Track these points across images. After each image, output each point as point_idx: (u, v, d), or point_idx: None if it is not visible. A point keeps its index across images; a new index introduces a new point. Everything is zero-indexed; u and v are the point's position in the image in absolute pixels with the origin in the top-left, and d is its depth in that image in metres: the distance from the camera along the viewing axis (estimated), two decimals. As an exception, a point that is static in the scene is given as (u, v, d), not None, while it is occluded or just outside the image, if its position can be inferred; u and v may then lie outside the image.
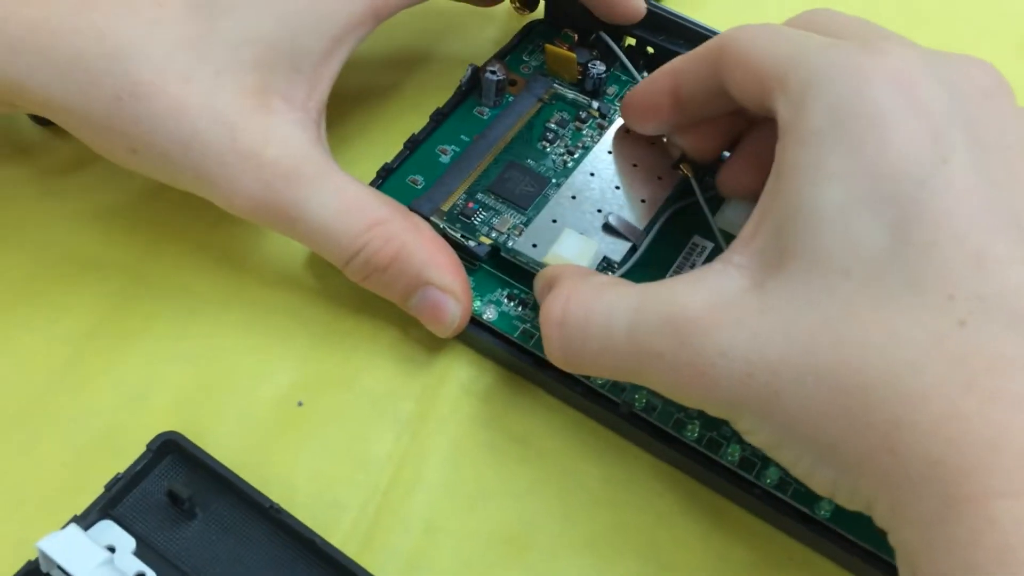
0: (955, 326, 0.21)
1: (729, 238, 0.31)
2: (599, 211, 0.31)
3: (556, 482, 0.29)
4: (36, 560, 0.26)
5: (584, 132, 0.34)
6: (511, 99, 0.35)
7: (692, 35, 0.35)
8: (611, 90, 0.36)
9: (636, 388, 0.29)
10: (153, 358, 0.31)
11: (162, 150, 0.28)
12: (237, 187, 0.28)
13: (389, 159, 0.34)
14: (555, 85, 0.35)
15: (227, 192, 0.28)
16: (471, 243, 0.31)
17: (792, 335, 0.22)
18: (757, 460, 0.28)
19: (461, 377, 0.31)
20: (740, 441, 0.28)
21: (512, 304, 0.31)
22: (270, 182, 0.28)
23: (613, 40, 0.36)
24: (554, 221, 0.31)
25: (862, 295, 0.21)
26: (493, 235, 0.31)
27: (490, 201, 0.32)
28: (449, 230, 0.31)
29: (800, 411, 0.22)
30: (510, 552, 0.28)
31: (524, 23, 0.38)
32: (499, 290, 0.31)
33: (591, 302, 0.26)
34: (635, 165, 0.32)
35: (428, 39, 0.40)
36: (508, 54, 0.37)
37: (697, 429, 0.28)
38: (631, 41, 0.37)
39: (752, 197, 0.31)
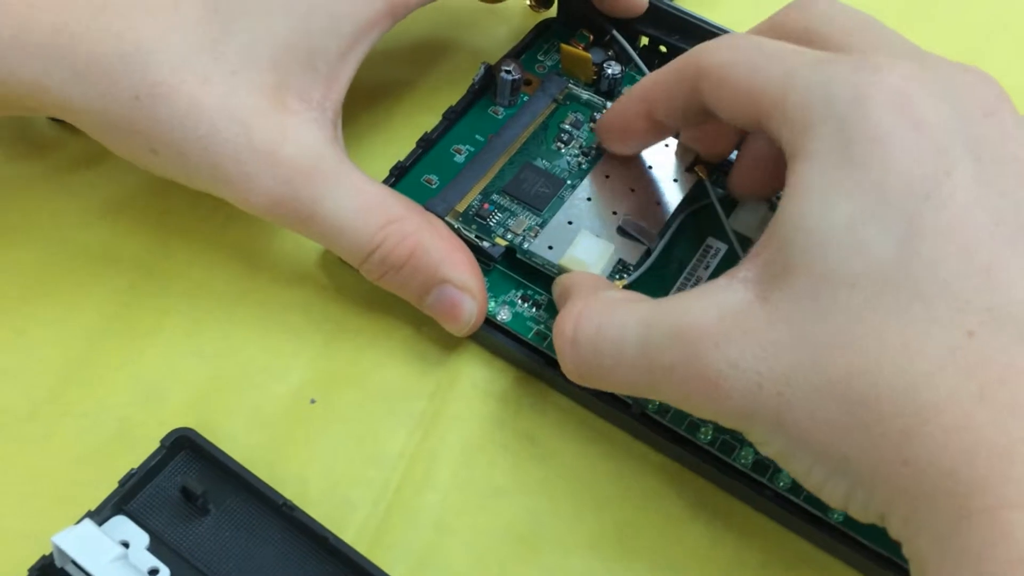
0: (965, 337, 0.21)
1: (743, 240, 0.31)
2: (614, 213, 0.31)
3: (568, 481, 0.29)
4: (51, 555, 0.26)
5: (599, 133, 0.34)
6: (526, 99, 0.35)
7: (705, 34, 0.35)
8: (625, 91, 0.36)
9: (649, 390, 0.29)
10: (166, 354, 0.31)
11: (180, 149, 0.28)
12: (253, 185, 0.28)
13: (402, 157, 0.34)
14: (570, 85, 0.35)
15: (243, 190, 0.28)
16: (486, 244, 0.31)
17: (800, 346, 0.22)
18: (770, 463, 0.28)
19: (474, 376, 0.31)
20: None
21: (526, 305, 0.31)
22: (286, 180, 0.28)
23: (628, 40, 0.36)
24: (570, 223, 0.31)
25: (870, 307, 0.21)
26: (509, 236, 0.32)
27: (505, 202, 0.32)
28: (464, 230, 0.31)
29: (811, 422, 0.22)
30: (521, 551, 0.28)
31: (537, 21, 0.38)
32: (513, 291, 0.31)
33: (602, 318, 0.26)
34: (650, 167, 0.32)
35: (440, 36, 0.40)
36: (522, 53, 0.37)
37: (711, 432, 0.28)
38: (645, 41, 0.37)
39: (763, 198, 0.31)
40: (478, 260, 0.31)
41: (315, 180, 0.28)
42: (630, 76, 0.36)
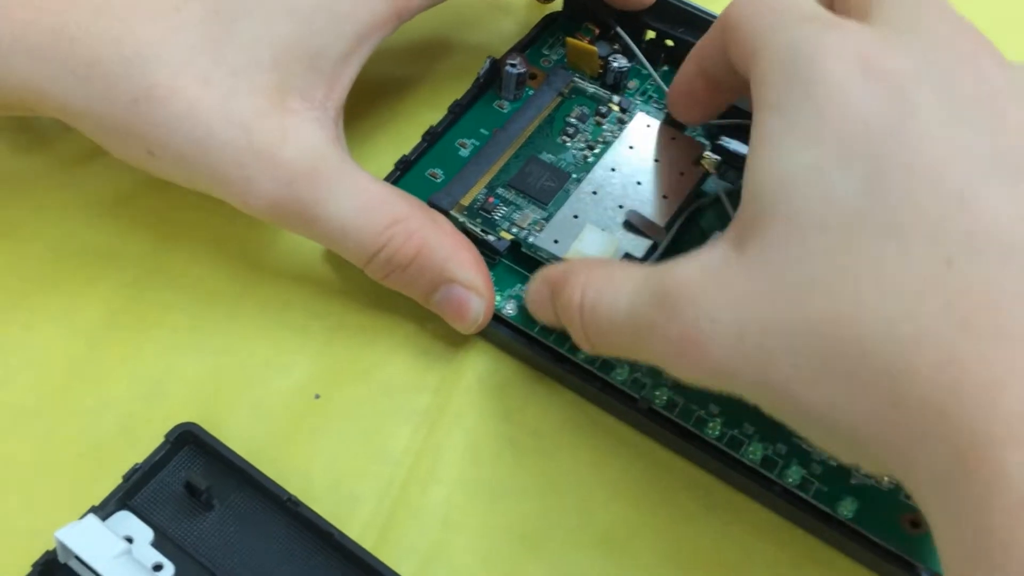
0: (943, 266, 0.20)
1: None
2: (620, 207, 0.31)
3: (574, 478, 0.29)
4: (54, 550, 0.26)
5: (604, 127, 0.34)
6: (531, 92, 0.35)
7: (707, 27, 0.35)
8: (632, 84, 0.36)
9: (657, 385, 0.29)
10: (170, 349, 0.31)
11: (178, 152, 0.28)
12: (253, 187, 0.28)
13: (407, 151, 0.34)
14: (575, 79, 0.35)
15: (243, 192, 0.28)
16: (491, 238, 0.31)
17: (777, 294, 0.22)
18: (779, 459, 0.28)
19: (479, 371, 0.31)
20: (762, 439, 0.28)
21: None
22: (287, 181, 0.28)
23: (635, 33, 0.35)
24: (575, 217, 0.31)
25: (842, 247, 0.21)
26: (514, 230, 0.31)
27: (510, 196, 0.32)
28: (469, 224, 0.31)
29: (793, 372, 0.21)
30: (527, 547, 0.28)
31: (542, 15, 0.38)
32: (519, 285, 0.31)
33: (603, 284, 0.26)
34: (657, 160, 0.32)
35: (444, 30, 0.40)
36: (527, 47, 0.37)
37: (719, 427, 0.28)
38: (651, 36, 0.37)
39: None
40: (483, 254, 0.31)
41: (317, 181, 0.28)
42: (635, 70, 0.36)
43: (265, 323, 0.32)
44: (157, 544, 0.26)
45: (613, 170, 0.32)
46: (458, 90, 0.35)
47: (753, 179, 0.23)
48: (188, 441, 0.28)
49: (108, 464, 0.28)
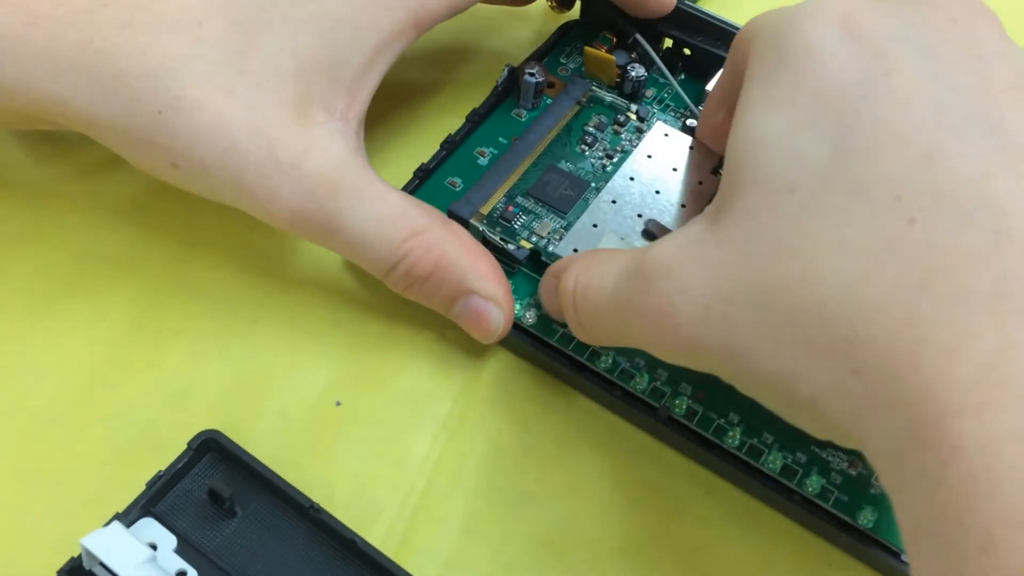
0: (905, 225, 0.19)
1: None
2: (639, 216, 0.31)
3: (595, 486, 0.29)
4: (79, 557, 0.26)
5: (623, 136, 0.34)
6: (549, 101, 0.35)
7: (728, 37, 0.35)
8: (649, 93, 0.36)
9: (677, 394, 0.29)
10: (192, 357, 0.31)
11: (201, 163, 0.28)
12: (276, 198, 0.28)
13: (425, 159, 0.34)
14: (593, 88, 0.35)
15: (266, 203, 0.28)
16: (511, 247, 0.31)
17: (743, 262, 0.21)
18: (799, 468, 0.28)
19: (498, 378, 0.31)
20: (782, 448, 0.28)
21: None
22: (310, 193, 0.28)
23: (652, 42, 0.35)
24: (595, 226, 0.31)
25: (807, 211, 0.21)
26: (534, 239, 0.31)
27: (530, 205, 0.32)
28: (489, 233, 0.31)
29: (755, 341, 0.21)
30: (549, 556, 0.28)
31: (559, 23, 0.38)
32: (538, 294, 0.31)
33: (593, 268, 0.26)
34: (675, 169, 0.32)
35: (462, 39, 0.40)
36: (545, 55, 0.37)
37: (739, 436, 0.28)
38: (668, 44, 0.37)
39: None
40: (503, 263, 0.31)
41: (339, 193, 0.28)
42: (652, 79, 0.36)
43: (286, 331, 0.32)
44: (180, 551, 0.27)
45: (632, 179, 0.32)
46: (475, 97, 0.36)
47: (731, 149, 0.23)
48: (211, 448, 0.28)
49: (131, 471, 0.28)
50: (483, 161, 0.34)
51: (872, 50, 0.22)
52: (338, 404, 0.30)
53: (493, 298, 0.29)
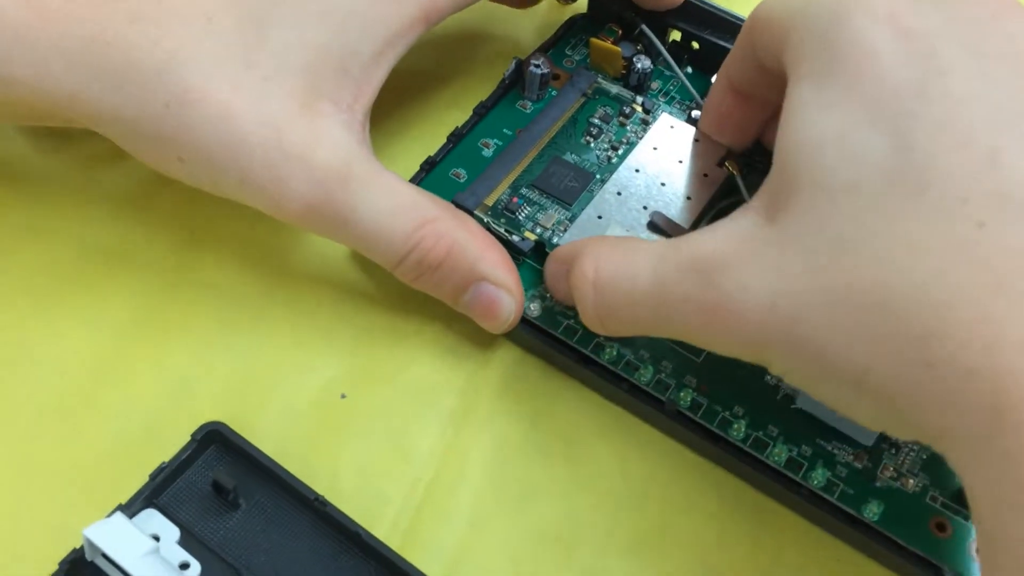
0: (974, 228, 0.20)
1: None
2: (644, 208, 0.31)
3: (602, 480, 0.29)
4: (81, 548, 0.26)
5: (628, 127, 0.34)
6: (554, 93, 0.35)
7: (736, 30, 0.34)
8: (655, 85, 0.36)
9: (681, 386, 0.29)
10: (196, 349, 0.31)
11: (209, 156, 0.28)
12: (286, 190, 0.28)
13: (432, 152, 0.34)
14: (599, 80, 0.35)
15: (275, 196, 0.28)
16: (516, 238, 0.31)
17: (808, 260, 0.22)
18: (804, 461, 0.28)
19: (505, 372, 0.31)
20: (787, 441, 0.28)
21: (554, 298, 0.31)
22: (320, 184, 0.28)
23: (658, 34, 0.35)
24: (599, 217, 0.31)
25: (872, 210, 0.21)
26: (538, 231, 0.31)
27: (534, 196, 0.32)
28: (493, 225, 0.31)
29: (828, 337, 0.21)
30: (557, 551, 0.28)
31: (566, 17, 0.38)
32: (543, 285, 0.31)
33: (622, 257, 0.26)
34: (680, 162, 0.32)
35: (468, 32, 0.40)
36: (551, 48, 0.37)
37: (743, 428, 0.28)
38: (675, 37, 0.37)
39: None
40: (509, 256, 0.31)
41: (349, 183, 0.28)
42: (658, 71, 0.36)
43: (291, 323, 0.32)
44: (183, 543, 0.27)
45: (637, 171, 0.32)
46: (481, 89, 0.36)
47: (784, 147, 0.23)
48: (215, 440, 0.28)
49: (134, 463, 0.28)
50: (488, 153, 0.34)
51: (923, 49, 0.22)
52: (343, 397, 0.30)
53: (504, 285, 0.29)
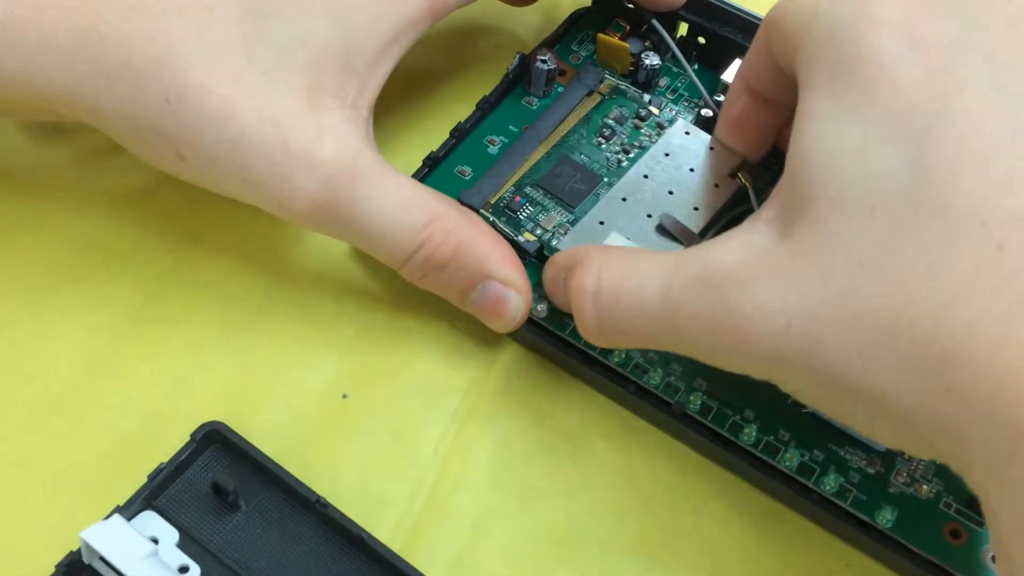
0: (993, 249, 0.20)
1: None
2: (648, 216, 0.30)
3: (607, 482, 0.29)
4: (78, 550, 0.25)
5: (642, 131, 0.33)
6: (561, 89, 0.35)
7: (745, 24, 0.34)
8: (663, 82, 0.35)
9: (691, 390, 0.28)
10: (196, 346, 0.31)
11: (210, 153, 0.27)
12: (290, 187, 0.27)
13: (434, 147, 0.33)
14: (607, 76, 0.35)
15: (278, 194, 0.27)
16: (521, 240, 0.30)
17: (825, 279, 0.21)
18: (816, 466, 0.27)
19: (509, 372, 0.31)
20: (798, 446, 0.28)
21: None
22: (326, 181, 0.27)
23: (667, 29, 0.35)
24: (601, 223, 0.30)
25: (890, 231, 0.21)
26: (538, 232, 0.31)
27: (538, 196, 0.32)
28: (499, 224, 0.31)
29: (843, 358, 0.21)
30: (560, 553, 0.27)
31: (566, 10, 0.37)
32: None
33: (626, 269, 0.25)
34: (692, 170, 0.31)
35: (471, 25, 0.40)
36: (556, 43, 0.36)
37: (754, 433, 0.28)
38: (683, 31, 0.36)
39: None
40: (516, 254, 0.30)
41: (355, 180, 0.27)
42: (666, 68, 0.35)
43: (292, 321, 0.31)
44: (182, 545, 0.26)
45: (646, 177, 0.31)
46: (485, 84, 0.35)
47: (798, 160, 0.23)
48: (214, 440, 0.28)
49: (132, 463, 0.27)
50: (493, 150, 0.33)
51: (939, 62, 0.22)
52: (345, 396, 0.30)
53: (512, 283, 0.29)
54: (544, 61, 0.34)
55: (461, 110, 0.34)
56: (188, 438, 0.27)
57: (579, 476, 0.29)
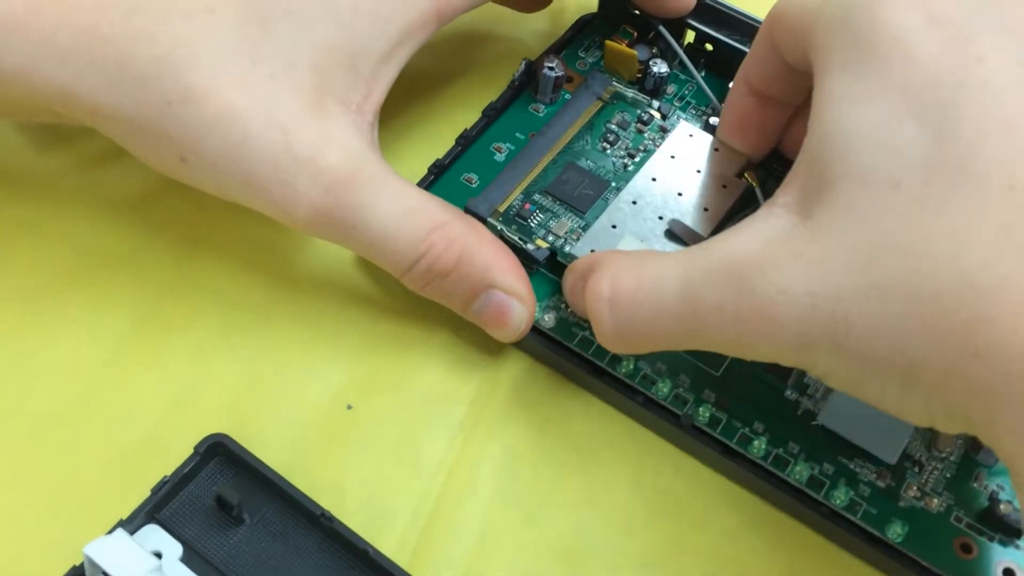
0: (1021, 213, 0.20)
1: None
2: (660, 218, 0.30)
3: (615, 494, 0.28)
4: (81, 565, 0.25)
5: (645, 135, 0.33)
6: (568, 96, 0.34)
7: (750, 29, 0.34)
8: (670, 89, 0.35)
9: (700, 402, 0.28)
10: (199, 356, 0.30)
11: (213, 157, 0.27)
12: (293, 194, 0.27)
13: (439, 152, 0.33)
14: (614, 83, 0.34)
15: (281, 200, 0.27)
16: (530, 247, 0.30)
17: (849, 257, 0.21)
18: (826, 479, 0.27)
19: (515, 381, 0.30)
20: (808, 459, 0.27)
21: (570, 310, 0.30)
22: (330, 187, 0.27)
23: (674, 36, 0.34)
24: (613, 227, 0.30)
25: (915, 203, 0.21)
26: (550, 239, 0.31)
27: (547, 203, 0.31)
28: (507, 232, 0.30)
29: (872, 333, 0.21)
30: (567, 566, 0.27)
31: (577, 17, 0.37)
32: (556, 295, 0.30)
33: (640, 270, 0.25)
34: (698, 171, 0.31)
35: (476, 30, 0.39)
36: (563, 49, 0.36)
37: (764, 445, 0.27)
38: (691, 39, 0.36)
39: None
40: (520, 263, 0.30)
41: (358, 187, 0.27)
42: (674, 75, 0.35)
43: (297, 330, 0.31)
44: (186, 559, 0.26)
45: (654, 180, 0.31)
46: (490, 89, 0.35)
47: (816, 141, 0.23)
48: (218, 453, 0.27)
49: (136, 475, 0.27)
50: (500, 157, 0.33)
51: (957, 35, 0.21)
52: (350, 408, 0.30)
53: (516, 293, 0.28)
54: (551, 68, 0.34)
55: (466, 116, 0.34)
56: (192, 450, 0.27)
57: (587, 488, 0.28)
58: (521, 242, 0.30)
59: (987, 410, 0.20)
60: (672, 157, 0.32)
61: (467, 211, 0.30)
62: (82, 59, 0.27)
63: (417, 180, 0.32)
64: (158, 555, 0.26)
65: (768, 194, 0.31)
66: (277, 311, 0.31)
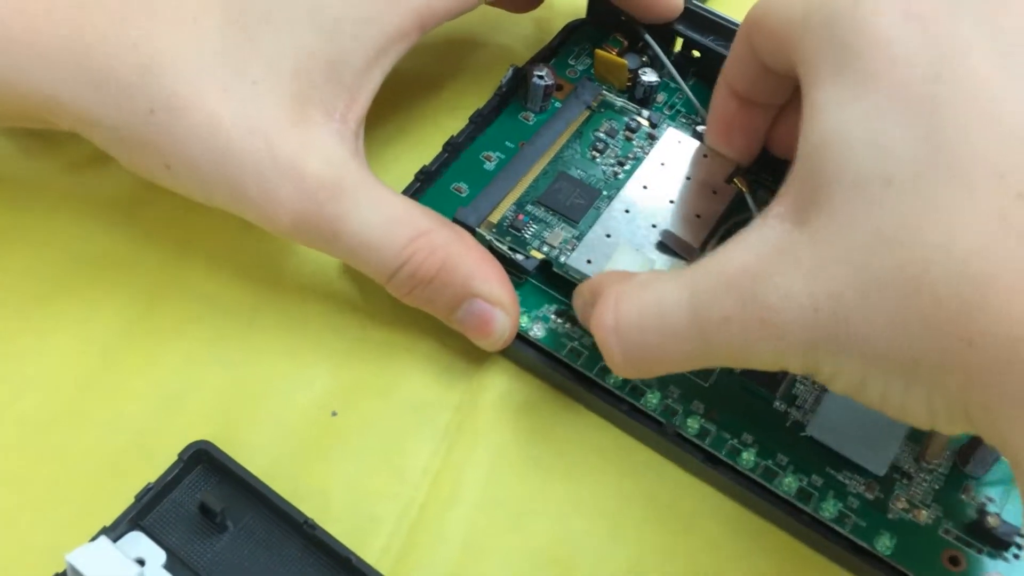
0: (1014, 200, 0.20)
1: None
2: (653, 226, 0.30)
3: (601, 502, 0.28)
4: (64, 572, 0.25)
5: (634, 142, 0.33)
6: (558, 104, 0.34)
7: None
8: (660, 98, 0.35)
9: (689, 413, 0.28)
10: (186, 362, 0.30)
11: (196, 165, 0.27)
12: (276, 201, 0.27)
13: (426, 160, 0.33)
14: (604, 92, 0.34)
15: (264, 207, 0.27)
16: (519, 257, 0.30)
17: (846, 258, 0.21)
18: (814, 491, 0.27)
19: (501, 389, 0.30)
20: (797, 471, 0.27)
21: (560, 321, 0.30)
22: (311, 195, 0.27)
23: (662, 44, 0.34)
24: (608, 236, 0.30)
25: (908, 197, 0.21)
26: (545, 249, 0.30)
27: (540, 213, 0.31)
28: (496, 242, 0.30)
29: (871, 331, 0.21)
30: (552, 573, 0.27)
31: (565, 22, 0.37)
32: (546, 305, 0.30)
33: (642, 296, 0.25)
34: (688, 178, 0.31)
35: (462, 34, 0.39)
36: (551, 56, 0.36)
37: (753, 457, 0.27)
38: (679, 47, 0.36)
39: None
40: (510, 273, 0.30)
41: (340, 195, 0.27)
42: (664, 84, 0.35)
43: (282, 336, 0.31)
44: (169, 567, 0.26)
45: (645, 188, 0.31)
46: (477, 95, 0.35)
47: (809, 150, 0.23)
48: (202, 460, 0.27)
49: (121, 481, 0.27)
50: (490, 166, 0.33)
51: (937, 29, 0.21)
52: (334, 414, 0.29)
53: (499, 302, 0.28)
54: (541, 77, 0.34)
55: (452, 122, 0.34)
56: (176, 457, 0.27)
57: (572, 495, 0.28)
58: (511, 252, 0.30)
59: (984, 399, 0.20)
60: (662, 164, 0.32)
61: (456, 221, 0.30)
62: (66, 66, 0.27)
63: (404, 186, 0.32)
64: (141, 562, 0.25)
65: (758, 199, 0.31)
66: (263, 317, 0.31)
